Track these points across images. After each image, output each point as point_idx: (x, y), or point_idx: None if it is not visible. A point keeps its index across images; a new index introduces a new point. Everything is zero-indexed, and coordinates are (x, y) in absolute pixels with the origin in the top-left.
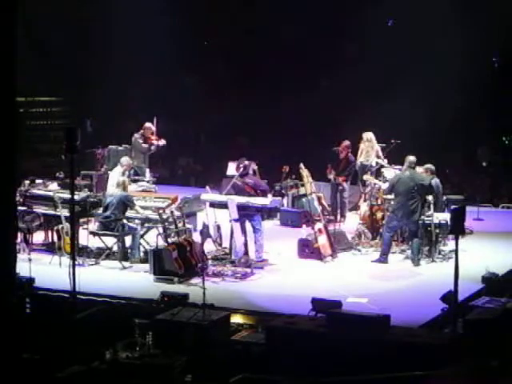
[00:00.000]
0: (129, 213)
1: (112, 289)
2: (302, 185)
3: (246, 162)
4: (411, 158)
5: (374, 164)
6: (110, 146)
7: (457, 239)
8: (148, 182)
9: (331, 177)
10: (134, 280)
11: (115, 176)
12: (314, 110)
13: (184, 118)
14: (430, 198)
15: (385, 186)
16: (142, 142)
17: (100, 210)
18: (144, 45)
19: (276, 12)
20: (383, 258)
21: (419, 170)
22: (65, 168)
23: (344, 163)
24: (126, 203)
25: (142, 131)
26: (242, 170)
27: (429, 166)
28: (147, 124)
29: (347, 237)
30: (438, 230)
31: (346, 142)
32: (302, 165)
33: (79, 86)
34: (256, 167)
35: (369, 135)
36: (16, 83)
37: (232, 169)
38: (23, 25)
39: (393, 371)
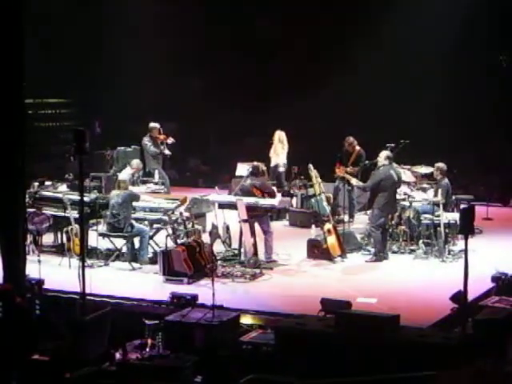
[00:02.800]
0: (137, 214)
1: (121, 290)
2: (311, 185)
3: (255, 163)
4: (389, 153)
5: (284, 164)
6: (119, 148)
7: (466, 239)
8: (157, 183)
9: (339, 172)
10: (144, 281)
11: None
12: (324, 111)
13: (192, 119)
14: (439, 197)
15: (356, 182)
16: (150, 144)
17: (109, 212)
18: (153, 45)
19: (286, 12)
20: (380, 256)
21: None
22: (74, 169)
23: (355, 156)
24: (132, 199)
25: (149, 133)
26: (250, 170)
27: (441, 165)
28: (152, 124)
29: (356, 237)
30: (447, 230)
31: (350, 139)
32: (310, 165)
33: (87, 88)
34: (265, 168)
35: (282, 135)
36: (24, 85)
37: (241, 169)
38: (31, 25)
39: (402, 371)
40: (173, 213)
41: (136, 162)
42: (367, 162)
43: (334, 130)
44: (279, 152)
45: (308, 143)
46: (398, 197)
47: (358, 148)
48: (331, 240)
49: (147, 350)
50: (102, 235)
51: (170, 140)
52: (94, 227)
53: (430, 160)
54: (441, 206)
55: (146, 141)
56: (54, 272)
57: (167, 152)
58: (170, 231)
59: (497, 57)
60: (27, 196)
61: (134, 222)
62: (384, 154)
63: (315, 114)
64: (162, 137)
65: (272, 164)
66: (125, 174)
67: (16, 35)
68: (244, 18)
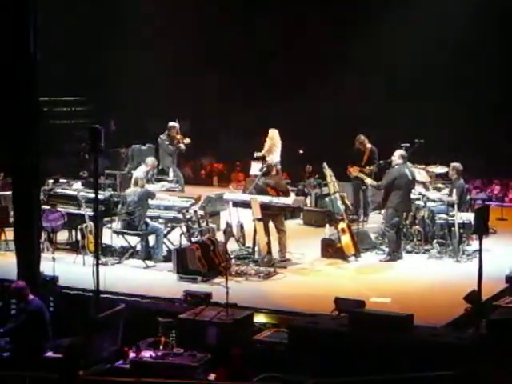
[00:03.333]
0: (152, 212)
1: (135, 288)
2: (326, 184)
3: (269, 162)
4: (403, 152)
5: (278, 162)
6: (134, 146)
7: (480, 239)
8: (171, 181)
9: (353, 173)
10: (158, 279)
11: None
12: (339, 109)
13: (207, 117)
14: (454, 197)
15: (371, 181)
16: (168, 143)
17: (124, 210)
18: (167, 43)
19: (299, 11)
20: (394, 256)
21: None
22: (88, 167)
23: (368, 154)
24: (147, 197)
25: (167, 131)
26: (264, 169)
27: (456, 165)
28: (171, 123)
29: (370, 236)
30: (461, 230)
31: (361, 138)
32: (325, 164)
33: (102, 85)
34: (279, 167)
35: (272, 133)
36: (38, 83)
37: (255, 168)
38: (45, 24)
39: (416, 371)
40: (187, 211)
41: (151, 160)
42: (382, 161)
43: (347, 129)
44: (273, 150)
45: (321, 142)
46: (412, 196)
47: (369, 146)
48: (345, 239)
49: (161, 347)
50: (117, 233)
51: (187, 140)
52: (109, 225)
53: (444, 159)
54: (455, 206)
55: (164, 139)
56: (68, 269)
57: (183, 147)
58: (185, 229)
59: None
60: (42, 193)
61: (148, 220)
62: (398, 152)
63: (328, 112)
64: (179, 137)
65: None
66: (140, 172)
67: (30, 33)
68: (257, 17)
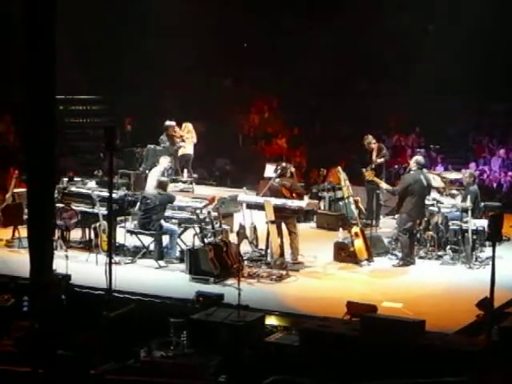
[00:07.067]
0: (166, 213)
1: (147, 287)
2: (339, 188)
3: (284, 164)
4: (421, 159)
5: (189, 154)
6: (149, 146)
7: (494, 246)
8: (185, 182)
9: (368, 177)
10: (170, 279)
11: (154, 175)
12: (354, 114)
13: (221, 119)
14: (467, 203)
15: (386, 186)
16: (168, 143)
17: (142, 208)
18: (183, 45)
19: (313, 13)
20: (407, 261)
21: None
22: (103, 166)
23: (376, 151)
24: (169, 202)
25: (165, 132)
26: (279, 171)
27: (471, 171)
28: (167, 122)
29: (384, 241)
30: (475, 237)
31: (369, 138)
32: (339, 168)
33: (118, 85)
34: (293, 169)
35: (185, 126)
36: (56, 81)
37: (269, 170)
38: (63, 24)
39: (426, 377)
40: (201, 212)
41: (165, 159)
42: (396, 166)
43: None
44: (187, 144)
45: (338, 145)
46: (426, 202)
47: (375, 146)
48: (358, 243)
49: (172, 348)
50: (131, 232)
51: (186, 136)
52: (122, 224)
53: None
54: (469, 212)
55: (163, 139)
56: (80, 268)
57: (182, 144)
58: (198, 230)
59: None
60: (56, 191)
61: (162, 221)
62: (415, 159)
63: (344, 116)
64: (178, 134)
65: (179, 154)
66: (156, 173)
67: (48, 33)
68: (271, 18)
